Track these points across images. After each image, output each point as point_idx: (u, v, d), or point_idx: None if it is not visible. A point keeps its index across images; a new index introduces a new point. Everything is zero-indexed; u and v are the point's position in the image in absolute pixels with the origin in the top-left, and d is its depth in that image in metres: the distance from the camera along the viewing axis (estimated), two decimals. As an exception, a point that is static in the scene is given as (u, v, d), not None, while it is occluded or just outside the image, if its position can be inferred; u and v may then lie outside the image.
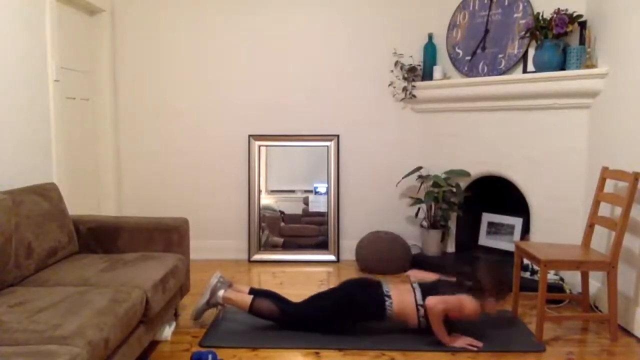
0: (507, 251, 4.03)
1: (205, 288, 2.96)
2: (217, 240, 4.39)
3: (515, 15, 3.71)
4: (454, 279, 2.84)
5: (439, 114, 4.20)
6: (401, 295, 2.77)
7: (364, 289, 2.81)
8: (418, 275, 3.00)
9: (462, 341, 2.67)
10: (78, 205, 3.69)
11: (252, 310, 2.83)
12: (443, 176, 4.04)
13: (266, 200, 4.36)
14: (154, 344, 2.68)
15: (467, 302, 2.67)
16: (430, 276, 2.96)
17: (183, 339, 2.77)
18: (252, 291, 2.97)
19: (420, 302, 2.72)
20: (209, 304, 2.91)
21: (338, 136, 4.32)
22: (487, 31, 3.88)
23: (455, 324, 2.78)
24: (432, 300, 2.65)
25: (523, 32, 3.60)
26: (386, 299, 2.74)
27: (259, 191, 4.35)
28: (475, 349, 2.63)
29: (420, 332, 2.79)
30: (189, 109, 4.31)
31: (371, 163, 4.39)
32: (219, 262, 4.26)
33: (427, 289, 2.77)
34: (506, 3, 3.78)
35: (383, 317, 2.75)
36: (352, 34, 4.27)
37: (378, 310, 2.74)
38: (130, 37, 4.24)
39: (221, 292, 2.90)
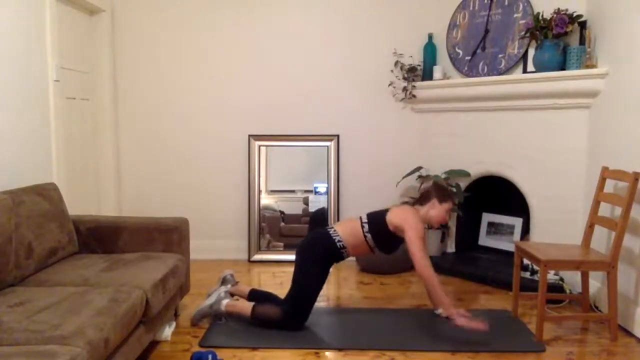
0: (507, 251, 4.04)
1: (212, 291, 2.98)
2: (217, 240, 4.39)
3: (515, 15, 3.71)
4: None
5: (439, 114, 4.20)
6: (345, 224, 2.92)
7: (308, 238, 2.92)
8: None
9: (465, 321, 2.57)
10: (78, 205, 3.69)
11: (254, 315, 2.84)
12: (443, 176, 4.04)
13: (266, 200, 4.36)
14: (154, 344, 2.68)
15: (410, 216, 2.80)
16: None
17: (183, 339, 2.77)
18: (252, 292, 2.99)
19: (364, 220, 2.89)
20: (212, 309, 2.91)
21: (338, 136, 4.32)
22: (487, 31, 3.88)
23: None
24: (412, 251, 2.72)
25: (523, 32, 3.60)
26: (330, 231, 2.88)
27: (259, 191, 4.34)
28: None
29: (420, 332, 2.80)
30: (189, 108, 4.31)
31: (371, 163, 4.39)
32: (219, 262, 4.26)
33: (374, 214, 2.91)
34: (506, 3, 3.78)
35: (336, 249, 2.84)
36: (352, 34, 4.27)
37: (332, 245, 2.84)
38: (130, 37, 4.24)
39: (225, 301, 2.91)
